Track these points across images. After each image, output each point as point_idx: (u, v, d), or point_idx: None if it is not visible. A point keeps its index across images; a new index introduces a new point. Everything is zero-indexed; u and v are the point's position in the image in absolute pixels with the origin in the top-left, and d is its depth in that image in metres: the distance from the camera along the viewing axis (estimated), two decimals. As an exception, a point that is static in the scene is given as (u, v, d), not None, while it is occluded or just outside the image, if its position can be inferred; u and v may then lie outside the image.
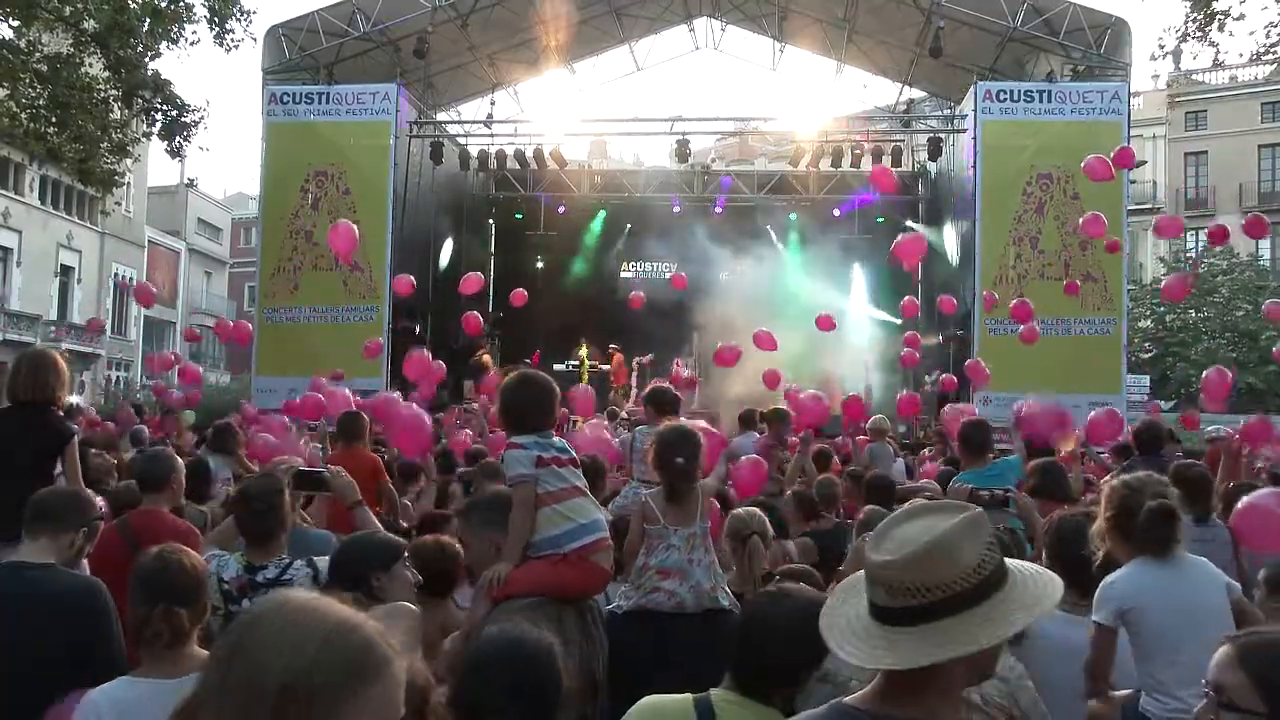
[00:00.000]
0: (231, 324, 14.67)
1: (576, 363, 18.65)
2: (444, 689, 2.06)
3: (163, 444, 7.29)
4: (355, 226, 10.92)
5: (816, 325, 13.19)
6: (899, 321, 19.03)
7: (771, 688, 2.21)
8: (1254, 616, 3.28)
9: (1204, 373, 8.84)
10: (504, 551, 3.29)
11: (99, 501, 3.37)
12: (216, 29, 14.73)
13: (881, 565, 1.50)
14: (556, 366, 18.28)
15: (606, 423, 9.44)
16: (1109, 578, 3.15)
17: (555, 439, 3.50)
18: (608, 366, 18.83)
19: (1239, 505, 4.40)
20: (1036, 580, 1.54)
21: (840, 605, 1.62)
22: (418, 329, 18.70)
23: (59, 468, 4.47)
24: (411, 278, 12.93)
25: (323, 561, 3.16)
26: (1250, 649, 1.77)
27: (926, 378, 17.34)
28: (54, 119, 14.42)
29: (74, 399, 13.94)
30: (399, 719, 0.98)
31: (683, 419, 4.93)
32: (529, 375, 3.72)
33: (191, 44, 14.90)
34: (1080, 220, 11.73)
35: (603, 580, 3.49)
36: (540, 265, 22.58)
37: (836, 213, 21.27)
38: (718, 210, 21.15)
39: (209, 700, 0.98)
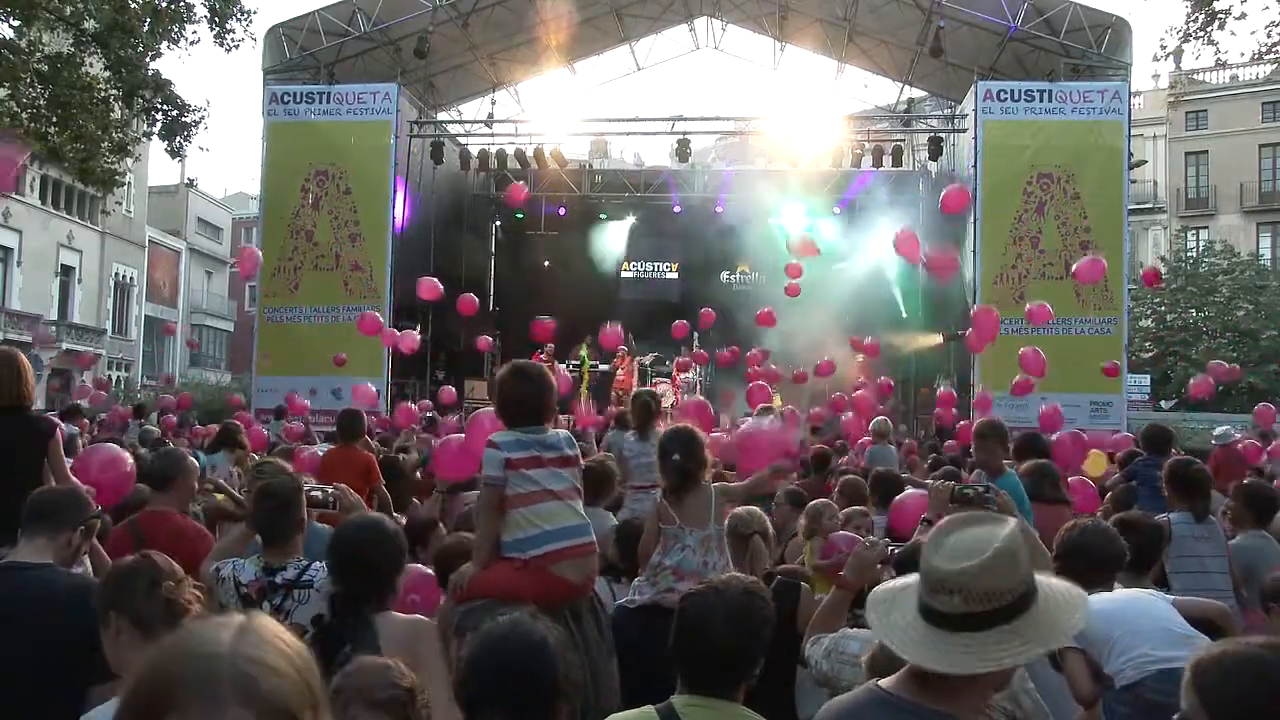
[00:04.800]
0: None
1: (577, 362, 18.60)
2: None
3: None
4: (259, 252, 12.32)
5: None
6: (904, 314, 19.07)
7: (729, 682, 2.17)
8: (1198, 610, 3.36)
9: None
10: (473, 554, 3.29)
11: None
12: (217, 29, 14.73)
13: (958, 572, 1.52)
14: (558, 365, 18.23)
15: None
16: None
17: (547, 434, 3.37)
18: (606, 367, 18.78)
19: None
20: (1065, 597, 1.61)
21: (888, 615, 1.65)
22: (417, 329, 18.67)
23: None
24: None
25: None
26: (1200, 668, 1.58)
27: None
28: (54, 119, 14.39)
29: (83, 401, 14.27)
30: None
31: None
32: (521, 367, 3.54)
33: (192, 44, 14.91)
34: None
35: (562, 592, 3.21)
36: (541, 265, 22.55)
37: (837, 210, 21.27)
38: (718, 210, 21.13)
39: None
